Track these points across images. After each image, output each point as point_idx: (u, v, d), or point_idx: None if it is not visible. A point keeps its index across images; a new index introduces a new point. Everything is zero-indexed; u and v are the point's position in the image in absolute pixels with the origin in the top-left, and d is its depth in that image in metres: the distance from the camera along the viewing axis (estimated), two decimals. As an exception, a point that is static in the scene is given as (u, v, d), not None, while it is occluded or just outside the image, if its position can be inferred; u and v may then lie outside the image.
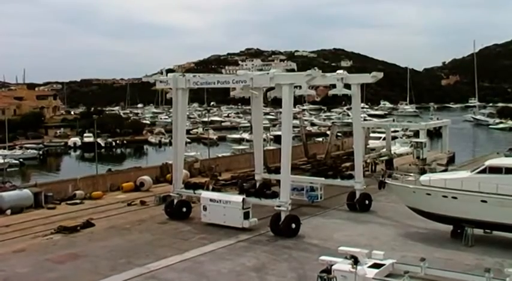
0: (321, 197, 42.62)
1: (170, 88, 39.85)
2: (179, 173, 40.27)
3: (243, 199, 35.31)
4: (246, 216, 34.99)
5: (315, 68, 36.50)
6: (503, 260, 27.81)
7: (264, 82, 36.65)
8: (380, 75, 43.97)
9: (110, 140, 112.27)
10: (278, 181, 38.37)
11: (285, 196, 34.07)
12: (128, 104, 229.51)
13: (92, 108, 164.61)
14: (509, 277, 22.47)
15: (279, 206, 33.78)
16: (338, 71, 42.55)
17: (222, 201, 35.97)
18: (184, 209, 39.11)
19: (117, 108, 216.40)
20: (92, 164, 74.72)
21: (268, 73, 36.35)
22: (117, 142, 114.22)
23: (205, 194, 37.77)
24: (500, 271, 24.39)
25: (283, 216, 33.64)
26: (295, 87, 36.23)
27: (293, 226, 33.58)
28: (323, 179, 44.33)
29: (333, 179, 43.98)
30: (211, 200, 36.50)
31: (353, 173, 42.98)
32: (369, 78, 43.60)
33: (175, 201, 39.57)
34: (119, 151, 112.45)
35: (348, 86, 41.34)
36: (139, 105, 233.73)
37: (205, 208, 36.61)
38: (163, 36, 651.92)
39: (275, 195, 35.61)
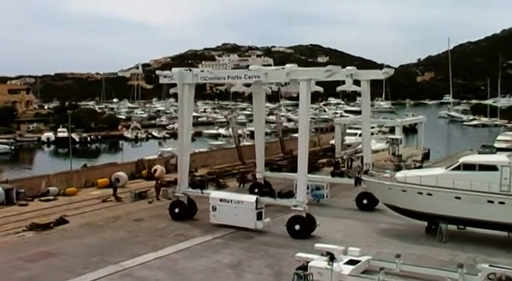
0: (326, 196, 41.92)
1: (174, 83, 38.19)
2: (185, 172, 38.30)
3: (257, 198, 33.92)
4: (259, 217, 33.61)
5: (319, 67, 35.48)
6: (476, 256, 28.18)
7: (279, 78, 35.60)
8: (391, 71, 44.17)
9: (84, 135, 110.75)
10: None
11: (301, 195, 33.16)
12: (103, 99, 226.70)
13: (66, 103, 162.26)
14: (481, 272, 22.81)
15: (296, 206, 32.86)
16: (348, 67, 42.25)
17: (233, 201, 34.41)
18: (176, 210, 37.48)
19: (92, 103, 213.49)
20: (66, 160, 73.63)
21: (283, 68, 35.03)
22: (92, 137, 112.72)
23: (214, 194, 36.25)
24: (473, 266, 24.69)
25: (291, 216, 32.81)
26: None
27: (297, 227, 32.53)
28: (330, 177, 43.92)
29: (340, 177, 43.62)
30: (221, 200, 34.98)
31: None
32: (379, 74, 43.54)
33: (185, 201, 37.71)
34: (93, 146, 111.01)
35: (356, 82, 41.32)
36: (115, 100, 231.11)
37: (214, 208, 34.95)
38: (138, 31, 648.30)
39: (291, 195, 34.71)
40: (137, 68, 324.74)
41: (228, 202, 34.60)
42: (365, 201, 39.37)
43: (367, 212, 38.75)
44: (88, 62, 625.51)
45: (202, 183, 39.80)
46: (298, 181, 34.04)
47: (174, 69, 38.63)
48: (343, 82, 42.36)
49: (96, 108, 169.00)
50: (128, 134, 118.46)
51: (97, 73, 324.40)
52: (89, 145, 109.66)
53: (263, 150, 45.23)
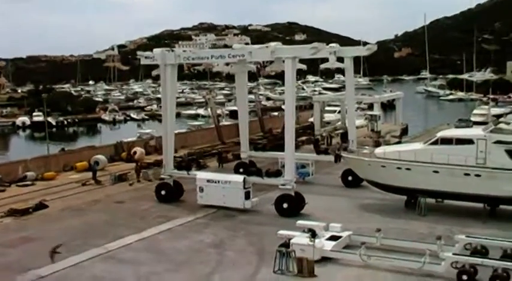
0: (312, 174, 41.68)
1: (156, 65, 37.46)
2: (170, 154, 37.76)
3: (244, 178, 33.66)
4: (247, 196, 33.38)
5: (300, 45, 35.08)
6: (453, 228, 28.63)
7: (264, 56, 35.11)
8: (374, 47, 44.02)
9: (61, 118, 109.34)
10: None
11: (289, 174, 32.91)
12: (79, 82, 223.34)
13: (41, 86, 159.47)
14: (459, 243, 23.47)
15: (284, 185, 32.71)
16: (331, 44, 41.94)
17: (220, 181, 34.11)
18: (163, 192, 36.99)
19: (67, 85, 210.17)
20: (42, 144, 72.80)
21: (267, 46, 34.49)
22: (69, 120, 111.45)
23: (201, 175, 35.74)
24: (450, 237, 25.29)
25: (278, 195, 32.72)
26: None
27: (285, 205, 32.32)
28: (315, 155, 43.80)
29: (326, 155, 43.61)
30: (208, 180, 34.55)
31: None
32: (363, 50, 43.21)
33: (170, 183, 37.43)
34: (71, 129, 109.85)
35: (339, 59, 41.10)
36: (91, 82, 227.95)
37: (201, 189, 34.57)
38: (112, 11, 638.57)
39: (279, 173, 34.52)
40: (113, 49, 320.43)
41: (215, 182, 34.29)
42: (350, 178, 39.22)
43: (352, 189, 38.76)
44: (61, 44, 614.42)
45: (189, 164, 39.58)
46: (285, 160, 33.80)
47: (156, 50, 37.91)
48: (324, 60, 42.18)
49: (72, 91, 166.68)
50: (106, 116, 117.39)
51: (71, 55, 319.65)
52: (66, 129, 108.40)
53: (247, 129, 44.84)
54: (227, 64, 43.37)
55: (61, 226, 31.89)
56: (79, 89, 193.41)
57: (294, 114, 34.94)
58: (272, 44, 35.34)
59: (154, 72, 38.84)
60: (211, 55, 38.44)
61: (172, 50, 38.07)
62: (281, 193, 32.84)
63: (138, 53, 39.95)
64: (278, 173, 34.82)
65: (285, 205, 32.36)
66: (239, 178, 34.19)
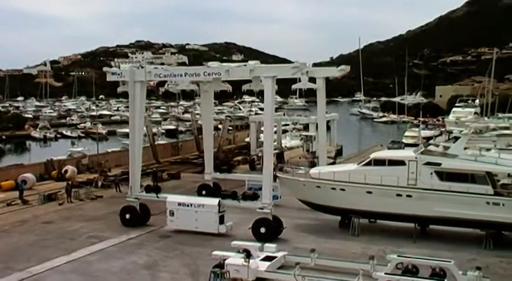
0: (280, 197, 39.87)
1: (124, 81, 36.11)
2: (137, 175, 35.85)
3: (219, 201, 32.39)
4: (222, 220, 32.15)
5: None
6: (386, 247, 29.22)
7: (242, 75, 33.63)
8: (347, 68, 44.01)
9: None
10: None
11: (267, 197, 31.79)
12: (7, 97, 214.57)
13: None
14: (391, 263, 23.91)
15: (262, 209, 31.60)
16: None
17: (193, 205, 32.61)
18: (127, 216, 35.14)
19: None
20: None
21: (246, 65, 33.59)
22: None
23: (171, 198, 33.93)
24: (383, 257, 25.71)
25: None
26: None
27: (262, 230, 30.99)
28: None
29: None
30: (179, 204, 33.00)
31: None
32: (335, 71, 43.18)
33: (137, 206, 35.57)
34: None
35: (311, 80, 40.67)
36: (20, 98, 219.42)
37: (172, 213, 33.01)
38: (43, 26, 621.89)
39: (255, 197, 33.35)
40: (45, 64, 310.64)
41: (188, 205, 32.82)
42: None
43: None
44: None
45: (157, 187, 37.91)
46: (263, 182, 32.44)
47: (124, 66, 36.81)
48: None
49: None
50: (36, 133, 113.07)
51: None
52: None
53: (212, 150, 43.52)
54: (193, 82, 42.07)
55: (-18, 248, 30.16)
56: (7, 104, 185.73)
57: (273, 134, 34.09)
58: (251, 62, 34.37)
59: (120, 89, 37.52)
60: (184, 73, 36.26)
61: (142, 67, 36.61)
62: (259, 216, 31.65)
63: (104, 68, 37.73)
64: (255, 197, 33.62)
65: (263, 230, 31.13)
66: (213, 201, 32.79)
